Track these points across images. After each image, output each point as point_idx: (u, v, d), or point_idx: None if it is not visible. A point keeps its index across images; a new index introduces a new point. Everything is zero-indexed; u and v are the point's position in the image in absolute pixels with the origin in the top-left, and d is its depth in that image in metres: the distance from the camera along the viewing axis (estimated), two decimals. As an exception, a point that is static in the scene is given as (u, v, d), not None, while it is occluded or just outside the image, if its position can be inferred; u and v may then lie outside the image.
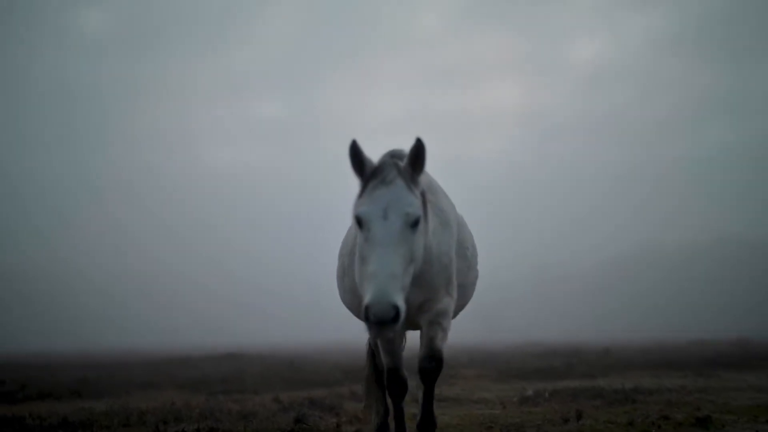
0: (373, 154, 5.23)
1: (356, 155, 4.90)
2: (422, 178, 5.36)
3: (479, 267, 6.70)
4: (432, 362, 5.49)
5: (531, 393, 11.77)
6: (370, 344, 7.16)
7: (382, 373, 6.49)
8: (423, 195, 4.98)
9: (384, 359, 5.85)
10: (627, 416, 8.68)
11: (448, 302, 5.61)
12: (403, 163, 4.91)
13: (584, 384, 13.61)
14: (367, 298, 4.33)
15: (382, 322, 4.26)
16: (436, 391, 6.74)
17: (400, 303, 4.32)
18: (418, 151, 4.86)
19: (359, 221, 4.70)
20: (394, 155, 5.19)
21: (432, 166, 5.61)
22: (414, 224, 4.67)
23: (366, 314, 4.29)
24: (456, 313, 6.29)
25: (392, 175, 4.80)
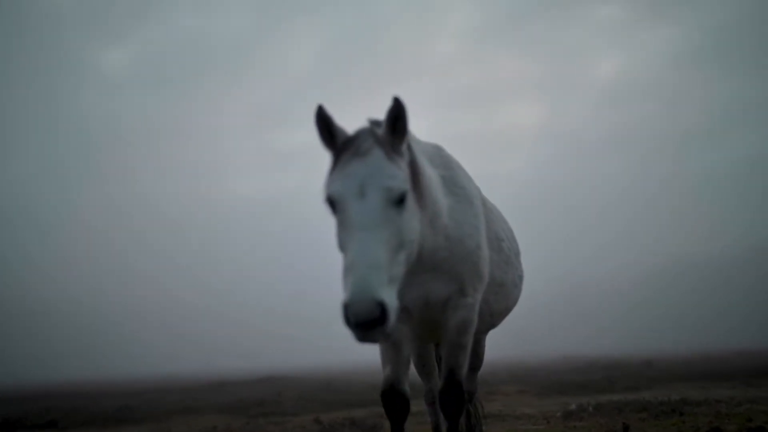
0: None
1: (324, 123, 3.97)
2: (427, 149, 4.74)
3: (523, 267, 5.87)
4: (450, 396, 4.74)
5: (574, 407, 11.60)
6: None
7: (428, 391, 6.17)
8: (413, 164, 4.09)
9: (383, 368, 4.89)
10: (675, 428, 8.50)
11: (471, 306, 4.73)
12: (381, 130, 3.97)
13: (628, 397, 13.39)
14: (345, 295, 3.49)
15: (365, 324, 3.44)
16: (482, 411, 6.60)
17: (387, 298, 3.48)
18: (397, 112, 3.90)
19: (332, 202, 3.81)
20: (375, 123, 4.16)
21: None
22: (399, 201, 3.75)
23: (345, 315, 3.46)
24: (498, 319, 5.65)
25: (368, 144, 3.87)
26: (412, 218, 3.89)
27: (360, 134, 3.96)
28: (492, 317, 5.46)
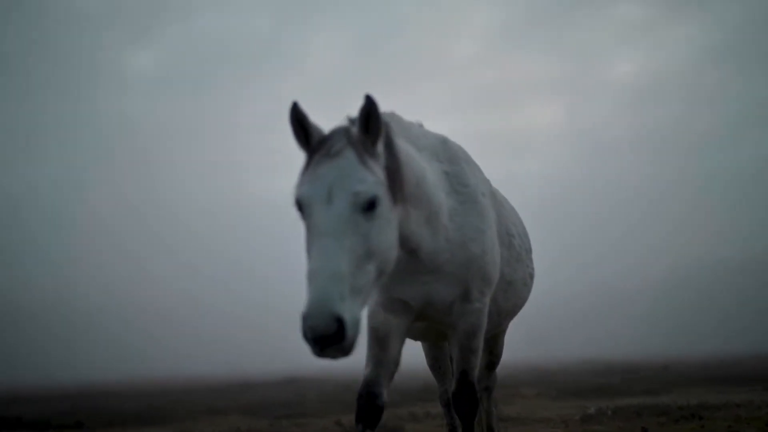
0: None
1: (298, 121, 3.77)
2: (432, 143, 4.56)
3: (533, 265, 5.67)
4: (463, 397, 4.67)
5: (593, 411, 11.71)
6: (430, 365, 6.38)
7: (443, 393, 6.23)
8: (395, 167, 3.84)
9: (366, 365, 4.54)
10: (695, 432, 8.61)
11: (479, 311, 4.58)
12: (355, 130, 3.74)
13: (646, 401, 13.49)
14: (303, 307, 3.30)
15: (322, 339, 3.24)
16: (495, 410, 6.65)
17: (348, 313, 3.27)
18: (369, 110, 3.67)
19: (300, 206, 3.63)
20: (353, 121, 3.87)
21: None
22: (368, 206, 3.52)
23: (302, 328, 3.27)
24: (507, 318, 5.49)
25: (340, 145, 3.64)
26: (385, 225, 3.64)
27: (333, 134, 3.75)
28: (500, 316, 5.30)
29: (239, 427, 12.52)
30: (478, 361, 4.74)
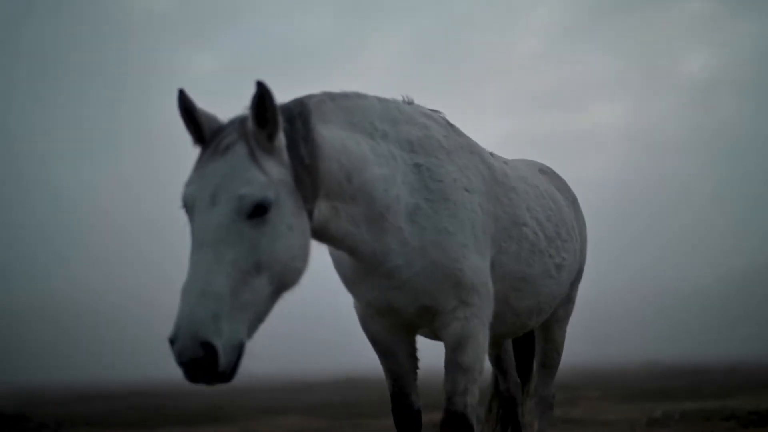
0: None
1: (187, 112, 3.29)
2: (400, 132, 3.90)
3: (565, 255, 4.85)
4: (451, 427, 3.93)
5: (659, 415, 11.48)
6: (493, 373, 5.96)
7: (504, 400, 5.93)
8: (311, 161, 3.37)
9: (386, 380, 4.31)
10: (766, 438, 8.38)
11: (467, 318, 3.94)
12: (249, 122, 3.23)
13: (714, 405, 13.17)
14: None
15: (191, 365, 2.86)
16: (558, 412, 6.36)
17: (220, 336, 2.87)
18: (261, 98, 3.15)
19: (185, 208, 3.19)
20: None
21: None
22: (256, 212, 3.05)
23: (172, 351, 2.90)
24: (530, 318, 4.76)
25: (230, 139, 3.19)
26: (282, 233, 3.13)
27: (226, 126, 3.29)
28: (519, 317, 4.64)
29: (302, 428, 12.61)
30: (473, 385, 3.97)
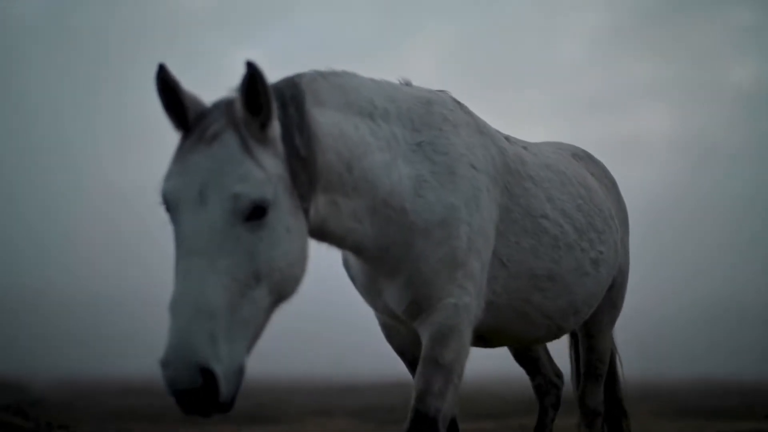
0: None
1: (168, 90, 2.81)
2: (400, 109, 3.53)
3: (602, 248, 4.40)
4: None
5: (712, 434, 11.27)
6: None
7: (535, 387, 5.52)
8: (308, 152, 2.99)
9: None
10: (824, 464, 8.16)
11: (453, 308, 3.47)
12: (239, 107, 2.80)
13: (769, 426, 12.86)
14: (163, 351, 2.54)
15: (186, 396, 2.50)
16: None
17: (220, 361, 2.50)
18: (252, 81, 2.73)
19: (166, 205, 2.77)
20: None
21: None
22: (253, 214, 2.66)
23: (163, 378, 2.53)
24: (566, 320, 4.27)
25: (218, 126, 2.74)
26: (280, 237, 2.76)
27: (211, 110, 2.83)
28: (551, 319, 4.17)
29: (348, 431, 12.64)
30: (450, 387, 3.43)
